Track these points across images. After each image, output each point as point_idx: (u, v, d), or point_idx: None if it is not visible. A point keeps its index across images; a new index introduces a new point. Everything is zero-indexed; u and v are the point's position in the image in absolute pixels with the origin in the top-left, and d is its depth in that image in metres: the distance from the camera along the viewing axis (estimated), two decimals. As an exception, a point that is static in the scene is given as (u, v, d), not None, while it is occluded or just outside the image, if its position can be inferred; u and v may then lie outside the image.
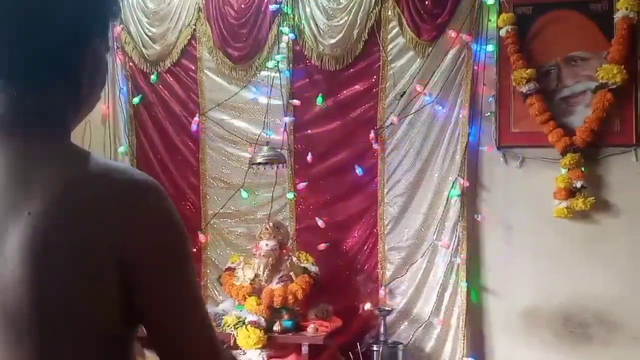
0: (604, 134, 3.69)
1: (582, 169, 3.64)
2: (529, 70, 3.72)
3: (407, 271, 3.91)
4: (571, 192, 3.65)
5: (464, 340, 3.76)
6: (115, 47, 4.27)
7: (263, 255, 3.73)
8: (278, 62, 4.07)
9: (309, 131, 4.11)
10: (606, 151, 3.71)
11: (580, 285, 3.67)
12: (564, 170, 3.67)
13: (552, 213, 3.68)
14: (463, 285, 3.79)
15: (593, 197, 3.63)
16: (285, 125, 4.09)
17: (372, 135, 3.95)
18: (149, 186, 0.91)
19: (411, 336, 3.84)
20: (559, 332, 3.71)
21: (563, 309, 3.71)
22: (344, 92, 4.07)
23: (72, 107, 0.96)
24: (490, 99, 3.87)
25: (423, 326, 3.84)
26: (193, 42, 4.25)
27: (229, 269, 3.86)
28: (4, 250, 0.85)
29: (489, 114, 3.87)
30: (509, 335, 3.79)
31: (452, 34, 3.87)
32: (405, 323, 3.89)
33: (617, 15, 3.64)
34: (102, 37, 0.98)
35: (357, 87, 4.05)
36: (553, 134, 3.69)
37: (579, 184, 3.63)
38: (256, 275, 3.71)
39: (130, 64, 4.33)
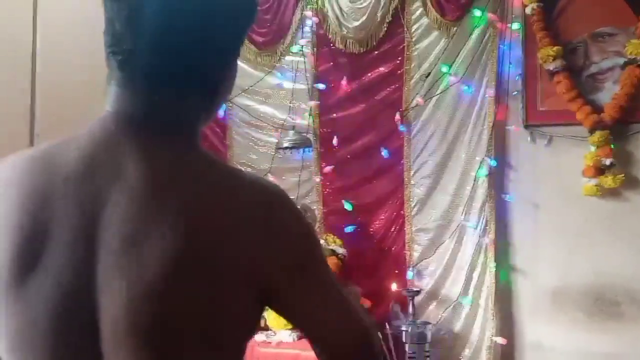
0: (633, 110, 3.63)
1: (611, 146, 3.60)
2: (555, 48, 3.68)
3: (434, 252, 3.92)
4: (600, 170, 3.61)
5: (493, 320, 3.77)
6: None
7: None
8: (302, 46, 4.09)
9: (334, 115, 4.13)
10: (635, 127, 3.65)
11: (610, 263, 3.64)
12: (592, 148, 3.63)
13: (581, 191, 3.65)
14: (492, 265, 3.79)
15: (622, 175, 3.58)
16: (311, 110, 4.11)
17: (397, 117, 3.96)
18: (279, 196, 0.93)
19: (440, 316, 3.85)
20: (589, 311, 3.69)
21: (592, 287, 3.68)
22: (369, 74, 4.07)
23: (205, 116, 0.98)
24: (517, 77, 3.83)
25: (452, 306, 3.85)
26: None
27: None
28: (140, 261, 0.83)
29: (515, 92, 3.84)
30: (538, 314, 3.78)
31: (477, 13, 3.84)
32: (434, 304, 3.91)
33: (646, -11, 3.58)
34: (239, 53, 1.02)
35: (381, 69, 4.05)
36: (581, 111, 3.65)
37: (608, 162, 3.59)
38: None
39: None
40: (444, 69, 3.90)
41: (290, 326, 3.54)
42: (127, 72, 0.91)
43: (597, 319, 3.67)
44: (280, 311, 0.96)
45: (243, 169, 0.98)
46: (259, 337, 3.56)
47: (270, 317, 3.52)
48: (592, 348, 3.64)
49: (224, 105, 4.17)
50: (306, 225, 0.95)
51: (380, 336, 3.51)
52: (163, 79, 0.91)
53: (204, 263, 0.84)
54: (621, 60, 3.66)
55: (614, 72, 3.70)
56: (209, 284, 0.84)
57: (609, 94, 3.68)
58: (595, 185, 3.61)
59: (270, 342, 3.54)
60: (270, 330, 3.55)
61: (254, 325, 0.93)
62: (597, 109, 3.66)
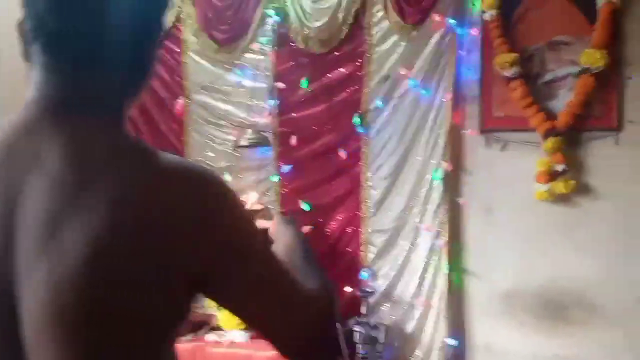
0: (586, 118, 3.71)
1: (564, 152, 3.67)
2: (512, 55, 3.74)
3: (389, 253, 3.94)
4: (552, 176, 3.68)
5: (445, 321, 3.80)
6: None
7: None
8: (263, 44, 4.07)
9: (294, 114, 4.12)
10: (588, 135, 3.73)
11: (560, 268, 3.71)
12: (545, 154, 3.70)
13: (533, 197, 3.71)
14: (445, 267, 3.82)
15: (574, 181, 3.66)
16: (270, 109, 4.09)
17: (356, 119, 3.97)
18: (218, 181, 0.91)
19: (393, 317, 3.87)
20: (539, 314, 3.75)
21: (543, 291, 3.75)
22: (329, 75, 4.07)
23: (129, 99, 0.96)
24: (474, 83, 3.88)
25: (405, 308, 3.88)
26: (177, 24, 4.24)
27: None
28: (60, 249, 0.80)
29: (472, 98, 3.88)
30: (489, 317, 3.83)
31: (436, 17, 3.88)
32: (387, 305, 3.93)
33: (600, 0, 3.65)
34: (161, 37, 1.00)
35: (342, 70, 4.06)
36: (535, 117, 3.71)
37: (560, 168, 3.65)
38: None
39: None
40: (403, 72, 3.92)
41: (242, 326, 3.52)
42: (51, 55, 0.89)
43: (547, 323, 3.73)
44: (219, 301, 0.93)
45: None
46: (211, 337, 3.52)
47: (221, 316, 3.49)
48: (542, 351, 3.70)
49: (181, 101, 4.13)
50: (242, 210, 0.93)
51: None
52: (87, 61, 0.90)
53: (128, 248, 0.82)
54: (576, 69, 3.73)
55: (568, 80, 3.77)
56: (134, 270, 0.82)
57: (563, 101, 3.74)
58: (548, 191, 3.67)
59: (221, 342, 3.50)
60: (222, 330, 3.52)
61: (185, 312, 0.90)
62: (551, 116, 3.72)
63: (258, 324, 0.96)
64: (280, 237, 1.19)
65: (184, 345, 3.52)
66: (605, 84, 3.67)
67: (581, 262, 3.67)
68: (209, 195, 0.88)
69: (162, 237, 0.84)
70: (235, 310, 0.95)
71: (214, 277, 0.89)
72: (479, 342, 3.85)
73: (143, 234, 0.83)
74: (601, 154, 3.70)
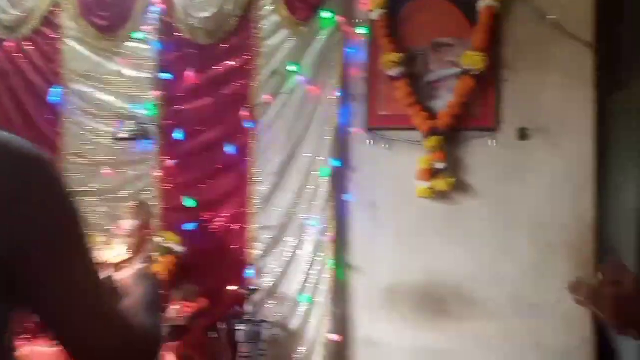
0: (466, 118, 3.83)
1: (444, 151, 3.78)
2: (397, 55, 3.80)
3: (276, 250, 3.91)
4: (433, 173, 3.78)
5: (329, 317, 3.82)
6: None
7: (125, 236, 3.58)
8: (146, 33, 3.91)
9: (179, 107, 3.99)
10: (467, 135, 3.86)
11: (439, 263, 3.82)
12: (427, 152, 3.79)
13: (415, 193, 3.80)
14: (330, 263, 3.84)
15: (453, 178, 3.78)
16: (154, 100, 3.94)
17: (244, 113, 3.90)
18: (41, 162, 0.82)
19: (277, 314, 3.84)
20: (419, 308, 3.85)
21: (422, 285, 3.85)
22: (216, 67, 3.98)
23: None
24: (361, 81, 3.91)
25: (289, 304, 3.86)
26: (55, 8, 3.99)
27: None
28: None
29: (358, 96, 3.92)
30: (371, 311, 3.89)
31: (325, 14, 3.87)
32: (272, 302, 3.89)
33: (481, 4, 3.78)
34: None
35: (230, 63, 3.98)
36: (417, 117, 3.80)
37: (440, 166, 3.76)
38: (118, 256, 3.56)
39: (-17, 28, 4.01)
40: (292, 68, 3.89)
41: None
42: None
43: (427, 317, 3.84)
44: (26, 304, 0.85)
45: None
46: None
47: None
48: (422, 344, 3.81)
49: (57, 91, 3.90)
50: (64, 197, 0.85)
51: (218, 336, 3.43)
52: None
53: None
54: (457, 70, 3.84)
55: (449, 81, 3.88)
56: None
57: (445, 101, 3.85)
58: (429, 188, 3.77)
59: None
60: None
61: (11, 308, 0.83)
62: (433, 115, 3.82)
63: (63, 334, 0.89)
64: (133, 289, 1.14)
65: (52, 349, 3.32)
66: (484, 86, 3.82)
67: (458, 257, 3.80)
68: (24, 175, 0.81)
69: None
70: (44, 316, 0.87)
71: (22, 266, 0.81)
72: (361, 336, 3.90)
73: None
74: (478, 153, 3.85)
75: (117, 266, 3.43)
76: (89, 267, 0.88)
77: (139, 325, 0.95)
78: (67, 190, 0.85)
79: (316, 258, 3.86)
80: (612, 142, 3.77)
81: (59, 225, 0.83)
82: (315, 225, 3.87)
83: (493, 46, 3.81)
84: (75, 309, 0.86)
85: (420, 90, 3.87)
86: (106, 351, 0.89)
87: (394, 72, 3.82)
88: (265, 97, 3.91)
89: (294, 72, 3.90)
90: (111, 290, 0.93)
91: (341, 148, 3.91)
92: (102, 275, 0.92)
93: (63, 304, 0.85)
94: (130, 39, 3.96)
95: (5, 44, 3.98)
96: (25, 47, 4.00)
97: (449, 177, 3.76)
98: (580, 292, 1.10)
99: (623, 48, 3.79)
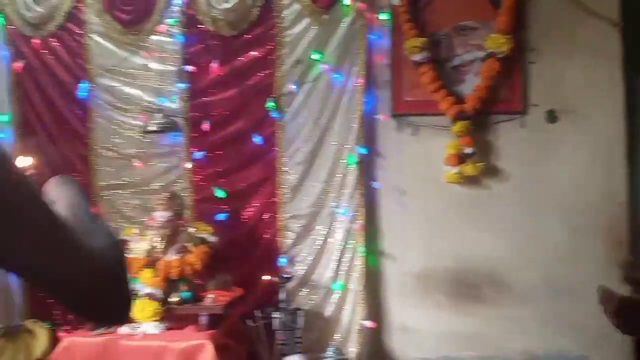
0: (493, 101, 3.83)
1: (472, 135, 3.77)
2: (421, 40, 3.79)
3: (306, 239, 3.94)
4: (461, 158, 3.78)
5: (362, 304, 3.84)
6: (-7, 9, 3.98)
7: (159, 227, 3.63)
8: (170, 26, 3.92)
9: (205, 98, 4.01)
10: (495, 118, 3.86)
11: (470, 248, 3.83)
12: (454, 137, 3.79)
13: (444, 179, 3.80)
14: (360, 250, 3.86)
15: (482, 163, 3.78)
16: (180, 93, 3.96)
17: (270, 103, 3.91)
18: None
19: (311, 302, 3.88)
20: (451, 292, 3.87)
21: (454, 270, 3.86)
22: (240, 58, 3.99)
23: None
24: (385, 67, 3.91)
25: (322, 292, 3.89)
26: (79, 4, 4.01)
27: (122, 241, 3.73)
28: None
29: (383, 82, 3.92)
30: (404, 297, 3.91)
31: (347, 1, 3.87)
32: (306, 289, 3.93)
33: (505, -14, 3.76)
34: None
35: (253, 53, 3.98)
36: (444, 102, 3.80)
37: (469, 150, 3.76)
38: (152, 247, 3.61)
39: (11, 27, 4.03)
40: (316, 56, 3.89)
41: (156, 317, 3.41)
42: None
43: (459, 301, 3.86)
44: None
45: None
46: (123, 329, 3.40)
47: (135, 308, 3.37)
48: (455, 328, 3.83)
49: (84, 86, 3.93)
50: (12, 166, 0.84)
51: (253, 324, 3.47)
52: None
53: None
54: (482, 54, 3.83)
55: (475, 65, 3.88)
56: None
57: (471, 85, 3.85)
58: (457, 173, 3.78)
59: (135, 335, 3.39)
60: (135, 322, 3.40)
61: None
62: (460, 99, 3.82)
63: (38, 281, 0.89)
64: (60, 198, 1.08)
65: (95, 339, 3.38)
66: (510, 69, 3.81)
67: (489, 242, 3.81)
68: None
69: None
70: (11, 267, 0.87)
71: None
72: (396, 323, 3.93)
73: None
74: (507, 137, 3.84)
75: (151, 257, 3.50)
76: (54, 220, 0.88)
77: (100, 244, 0.94)
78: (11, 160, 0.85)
79: (347, 245, 3.88)
80: (642, 121, 3.76)
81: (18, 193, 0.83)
82: (344, 213, 3.89)
83: (518, 28, 3.80)
84: (53, 262, 0.87)
85: (446, 74, 3.87)
86: (90, 286, 0.89)
87: (418, 57, 3.81)
88: (289, 87, 3.91)
89: (317, 60, 3.90)
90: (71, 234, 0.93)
91: (368, 135, 3.92)
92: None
93: (41, 261, 0.86)
94: (154, 33, 3.98)
95: (32, 41, 4.00)
96: (51, 44, 4.02)
97: (478, 162, 3.76)
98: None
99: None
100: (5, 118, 4.03)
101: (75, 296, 0.91)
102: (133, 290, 0.91)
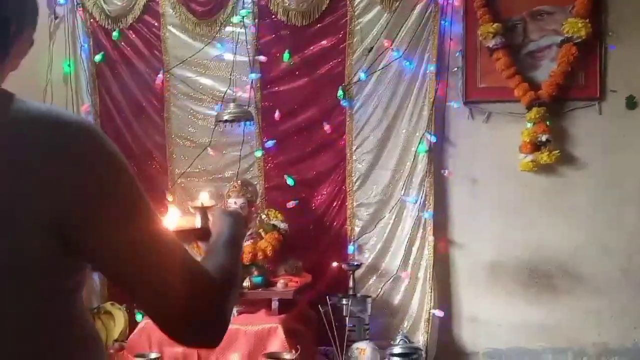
0: (569, 87, 3.73)
1: (547, 122, 3.68)
2: (495, 25, 3.72)
3: (375, 227, 3.94)
4: (536, 146, 3.70)
5: (431, 293, 3.83)
6: (76, 3, 4.15)
7: (232, 214, 3.72)
8: (243, 17, 4.00)
9: (276, 88, 4.07)
10: (571, 105, 3.75)
11: (545, 237, 3.75)
12: (529, 124, 3.71)
13: (517, 167, 3.73)
14: (430, 239, 3.84)
15: (558, 151, 3.68)
16: (252, 82, 4.03)
17: (340, 92, 3.93)
18: (76, 127, 0.88)
19: (380, 289, 3.89)
20: (524, 283, 3.80)
21: (527, 260, 3.79)
22: (311, 48, 4.02)
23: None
24: (457, 54, 3.86)
25: (391, 280, 3.90)
26: (155, -3, 4.14)
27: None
28: None
29: (455, 69, 3.87)
30: (475, 286, 3.87)
31: (419, -13, 3.84)
32: (374, 277, 3.94)
33: (582, -31, 3.64)
34: (31, 19, 0.96)
35: (324, 42, 4.01)
36: (519, 88, 3.72)
37: (544, 138, 3.68)
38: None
39: (91, 20, 4.20)
40: (386, 44, 3.88)
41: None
42: None
43: (532, 291, 3.79)
44: (92, 261, 0.90)
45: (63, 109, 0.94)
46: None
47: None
48: (527, 319, 3.76)
49: (161, 77, 4.05)
50: (116, 161, 0.90)
51: (321, 310, 3.51)
52: None
53: None
54: (558, 39, 3.74)
55: (551, 50, 3.78)
56: (3, 223, 0.82)
57: (546, 71, 3.76)
58: (532, 161, 3.70)
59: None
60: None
61: (73, 275, 0.89)
62: (535, 86, 3.73)
63: (131, 290, 0.92)
64: (215, 226, 1.17)
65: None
66: (588, 54, 3.69)
67: (565, 231, 3.72)
68: (75, 142, 0.86)
69: (22, 188, 0.83)
70: (107, 272, 0.92)
71: (81, 227, 0.86)
72: (465, 312, 3.89)
73: (5, 181, 0.82)
74: (584, 124, 3.73)
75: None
76: (145, 224, 0.91)
77: (213, 268, 0.96)
78: (114, 152, 0.90)
79: (416, 234, 3.87)
80: None
81: (105, 185, 0.88)
82: (413, 201, 3.87)
83: (596, 12, 3.67)
84: (134, 265, 0.89)
85: (521, 60, 3.79)
86: (174, 305, 0.90)
87: (492, 42, 3.74)
88: (360, 75, 3.92)
89: (388, 48, 3.89)
90: (176, 243, 0.94)
91: (438, 123, 3.88)
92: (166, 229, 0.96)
93: (122, 261, 0.89)
94: (228, 24, 4.06)
95: (113, 33, 4.15)
96: (129, 36, 4.17)
97: (553, 150, 3.66)
98: None
99: None
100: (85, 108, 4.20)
101: (161, 309, 0.92)
102: (227, 322, 0.93)
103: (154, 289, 0.90)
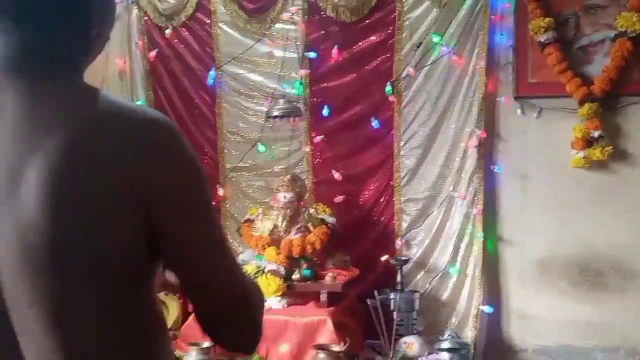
0: (623, 83, 3.66)
1: (600, 118, 3.63)
2: (546, 19, 3.68)
3: (423, 222, 3.95)
4: (589, 142, 3.65)
5: (480, 289, 3.82)
6: (131, 1, 4.26)
7: (281, 207, 3.79)
8: (293, 14, 4.05)
9: (325, 84, 4.11)
10: (625, 100, 3.69)
11: (596, 234, 3.70)
12: (581, 120, 3.66)
13: (569, 163, 3.69)
14: (479, 235, 3.83)
15: (611, 147, 3.63)
16: (301, 79, 4.08)
17: (388, 87, 3.94)
18: (163, 123, 0.93)
19: (427, 285, 3.90)
20: (575, 280, 3.76)
21: (578, 257, 3.75)
22: (360, 44, 4.04)
23: (82, 47, 0.97)
24: (508, 48, 3.83)
25: (439, 275, 3.90)
26: (207, -5, 4.22)
27: (247, 220, 3.92)
28: (21, 194, 0.84)
29: (506, 64, 3.84)
30: (524, 283, 3.84)
31: (469, -18, 3.82)
32: (422, 273, 3.95)
33: (638, -38, 3.57)
34: None
35: (372, 38, 4.02)
36: (571, 83, 3.67)
37: (596, 134, 3.63)
38: (275, 227, 3.78)
39: (146, 18, 4.32)
40: (435, 39, 3.88)
41: (279, 293, 3.56)
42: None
43: (583, 289, 3.74)
44: (165, 252, 0.95)
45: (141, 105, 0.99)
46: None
47: (260, 284, 3.54)
48: (577, 317, 3.72)
49: (212, 73, 4.13)
50: (193, 159, 0.95)
51: (369, 305, 3.54)
52: (35, 19, 0.92)
53: (83, 190, 0.86)
54: (612, 33, 3.67)
55: (604, 45, 3.72)
56: (92, 211, 0.86)
57: (599, 66, 3.70)
58: (584, 158, 3.65)
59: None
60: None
61: (151, 253, 0.93)
62: (587, 81, 3.68)
63: (193, 285, 0.99)
64: None
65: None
66: (643, 48, 3.61)
67: (617, 228, 3.66)
68: (160, 138, 0.91)
69: (113, 177, 0.87)
70: (174, 267, 0.98)
71: (161, 220, 0.91)
72: (515, 309, 3.87)
73: (96, 171, 0.86)
74: (638, 120, 3.66)
75: (274, 235, 3.65)
76: (214, 224, 0.98)
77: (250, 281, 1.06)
78: (191, 153, 0.95)
79: (465, 230, 3.86)
80: None
81: (184, 185, 0.93)
82: (463, 197, 3.86)
83: (651, 5, 3.60)
84: (202, 262, 0.96)
85: (573, 55, 3.73)
86: (228, 302, 0.99)
87: (543, 37, 3.70)
88: (409, 70, 3.92)
89: (437, 43, 3.88)
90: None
91: (488, 118, 3.86)
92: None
93: (193, 256, 0.96)
94: (278, 21, 4.11)
95: (166, 31, 4.25)
96: (182, 33, 4.26)
97: (606, 146, 3.61)
98: None
99: None
100: (140, 103, 4.32)
101: (211, 308, 1.01)
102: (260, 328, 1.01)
103: (224, 292, 0.99)
